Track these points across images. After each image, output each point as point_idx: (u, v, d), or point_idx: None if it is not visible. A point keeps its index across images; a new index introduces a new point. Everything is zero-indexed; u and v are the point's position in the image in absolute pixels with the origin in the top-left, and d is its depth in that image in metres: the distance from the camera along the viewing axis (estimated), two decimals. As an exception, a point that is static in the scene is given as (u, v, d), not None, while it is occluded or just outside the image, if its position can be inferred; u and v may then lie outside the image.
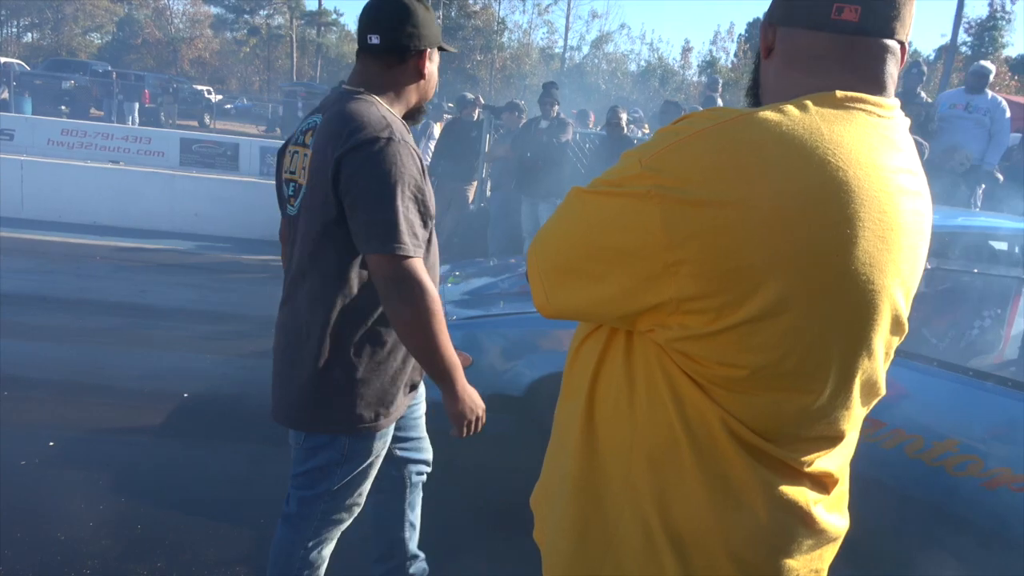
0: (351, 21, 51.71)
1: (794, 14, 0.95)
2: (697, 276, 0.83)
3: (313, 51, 43.58)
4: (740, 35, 37.95)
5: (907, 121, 0.96)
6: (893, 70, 0.95)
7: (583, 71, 33.20)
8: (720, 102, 9.25)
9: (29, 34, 46.91)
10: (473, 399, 1.74)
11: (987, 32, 28.01)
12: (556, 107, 7.24)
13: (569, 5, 32.53)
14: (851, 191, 0.84)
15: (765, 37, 1.00)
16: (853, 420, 0.96)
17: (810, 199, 0.82)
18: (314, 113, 1.79)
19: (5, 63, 24.80)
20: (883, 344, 0.93)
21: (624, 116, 7.22)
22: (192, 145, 14.95)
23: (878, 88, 0.93)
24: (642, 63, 35.58)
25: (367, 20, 1.75)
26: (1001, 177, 6.71)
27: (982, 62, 7.49)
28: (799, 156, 0.83)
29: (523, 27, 34.15)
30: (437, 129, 9.77)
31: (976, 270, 3.41)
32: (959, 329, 3.56)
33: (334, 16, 44.81)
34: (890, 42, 0.94)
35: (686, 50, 37.07)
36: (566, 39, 33.60)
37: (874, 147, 0.88)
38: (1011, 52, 31.08)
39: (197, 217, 8.47)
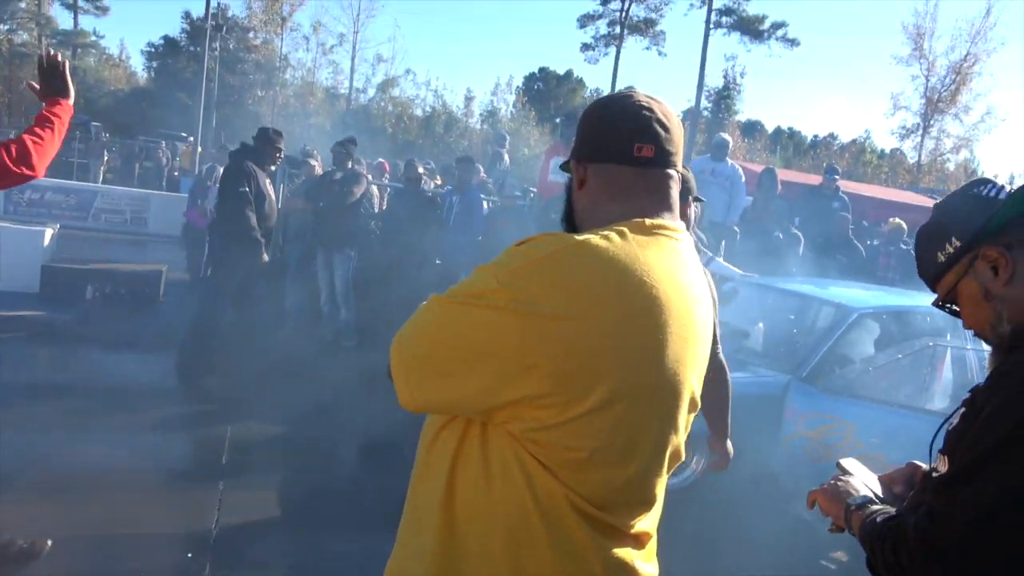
0: (112, 44, 47.48)
1: (604, 153, 1.21)
2: (548, 377, 1.01)
3: (66, 74, 39.13)
4: (518, 87, 40.36)
5: (691, 239, 1.23)
6: (676, 194, 1.22)
7: (369, 113, 33.30)
8: (507, 158, 9.86)
9: None
10: None
11: (723, 100, 32.45)
12: (350, 161, 7.30)
13: (355, 47, 32.57)
14: (662, 305, 1.08)
15: (577, 172, 1.24)
16: (661, 485, 1.21)
17: (632, 314, 1.06)
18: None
19: None
20: (684, 421, 1.20)
21: (421, 169, 7.47)
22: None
23: (670, 209, 1.20)
24: (427, 108, 36.52)
25: None
26: (739, 232, 7.90)
27: (722, 134, 8.78)
28: (623, 278, 1.06)
29: (307, 66, 33.39)
30: (222, 173, 9.35)
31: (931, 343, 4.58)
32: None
33: (93, 38, 40.88)
34: (673, 171, 1.22)
35: (469, 99, 38.66)
36: (352, 81, 33.58)
37: (675, 266, 1.13)
38: (741, 117, 36.25)
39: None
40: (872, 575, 1.25)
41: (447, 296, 1.09)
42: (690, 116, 31.95)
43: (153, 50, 42.49)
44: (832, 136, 44.95)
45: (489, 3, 70.91)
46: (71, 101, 2.71)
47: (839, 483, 1.37)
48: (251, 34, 33.05)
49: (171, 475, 4.08)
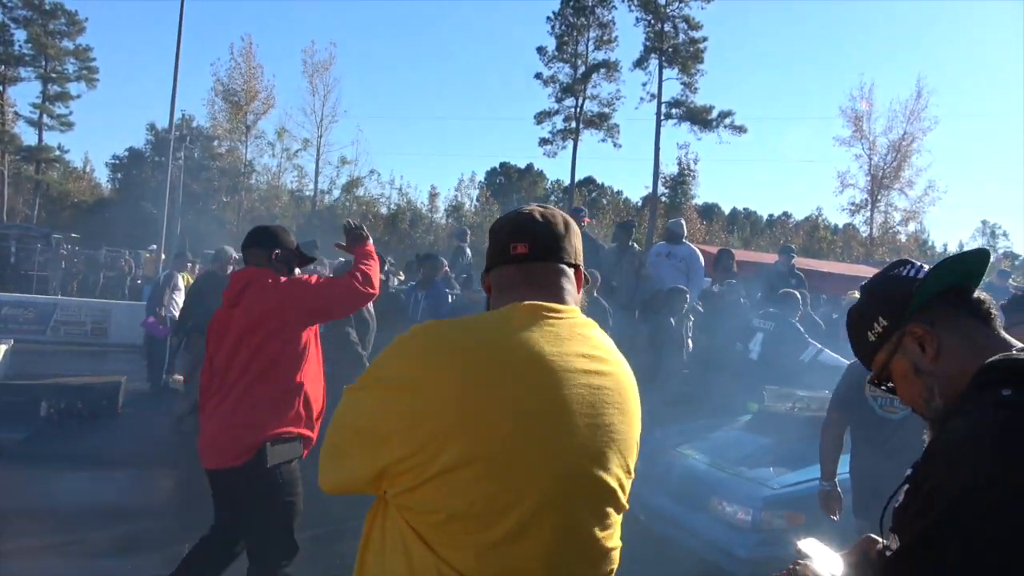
0: (77, 157, 47.83)
1: (493, 259, 1.37)
2: (401, 441, 1.12)
3: (30, 189, 39.37)
4: (480, 182, 41.38)
5: (588, 320, 1.31)
6: (568, 285, 1.33)
7: (335, 213, 33.69)
8: (468, 252, 9.98)
9: None
10: None
11: (679, 185, 33.55)
12: (323, 266, 7.34)
13: (319, 152, 33.26)
14: (510, 375, 1.14)
15: (484, 284, 1.40)
16: (561, 564, 1.16)
17: (475, 385, 1.13)
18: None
19: None
20: (580, 490, 1.17)
21: (386, 267, 7.53)
22: None
23: (556, 299, 1.29)
24: (392, 206, 37.08)
25: None
26: (702, 309, 8.01)
27: (677, 220, 9.04)
28: (465, 353, 1.16)
29: (272, 170, 33.90)
30: (180, 280, 9.30)
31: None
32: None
33: (57, 152, 41.23)
34: (560, 265, 1.34)
35: (432, 195, 39.42)
36: (316, 183, 34.11)
37: (544, 339, 1.19)
38: (698, 201, 37.41)
39: None
40: None
41: (349, 388, 1.23)
42: (649, 202, 32.90)
43: (118, 162, 43.12)
44: (787, 214, 46.66)
45: (449, 104, 73.64)
46: (371, 241, 3.42)
47: (797, 568, 1.35)
48: (215, 142, 33.65)
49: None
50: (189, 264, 10.36)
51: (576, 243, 1.38)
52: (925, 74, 53.29)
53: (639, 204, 41.51)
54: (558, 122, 34.77)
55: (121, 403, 7.93)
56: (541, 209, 1.38)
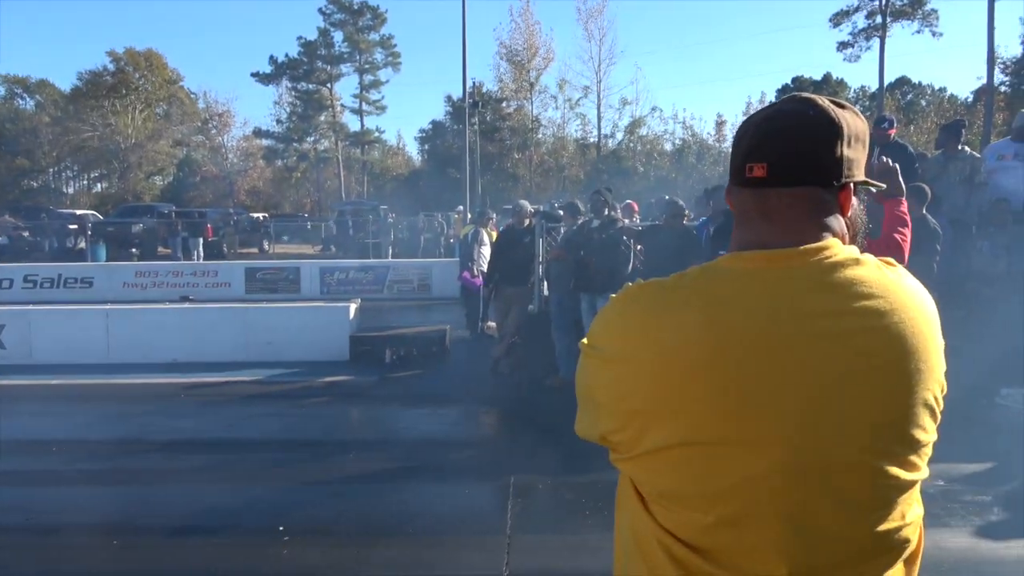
0: (391, 136, 54.35)
1: (731, 174, 1.14)
2: (610, 415, 1.05)
3: (359, 169, 45.76)
4: (771, 103, 38.45)
5: (849, 256, 1.03)
6: (823, 214, 1.06)
7: (619, 157, 33.94)
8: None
9: (99, 184, 50.59)
10: None
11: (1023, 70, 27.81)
12: (607, 208, 7.46)
13: (599, 97, 33.61)
14: (721, 348, 0.97)
15: (727, 195, 1.16)
16: (798, 549, 0.98)
17: (676, 357, 0.98)
18: None
19: (81, 215, 26.72)
20: (815, 478, 0.97)
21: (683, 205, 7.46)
22: (256, 273, 15.72)
23: (790, 235, 1.04)
24: (677, 141, 36.22)
25: None
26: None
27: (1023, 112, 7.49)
28: (668, 317, 1.01)
29: (557, 122, 35.13)
30: (486, 236, 10.09)
31: None
32: None
33: (376, 134, 47.24)
34: (805, 189, 1.05)
35: (719, 123, 37.63)
36: (599, 129, 34.60)
37: (767, 298, 0.99)
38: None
39: (270, 346, 8.84)
40: None
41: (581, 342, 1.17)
42: (984, 95, 27.85)
43: (424, 135, 47.96)
44: None
45: (726, 25, 69.14)
46: (904, 198, 3.28)
47: None
48: (504, 103, 35.75)
49: (460, 521, 4.38)
50: (491, 220, 11.19)
51: (851, 152, 1.07)
52: None
53: (969, 100, 35.27)
54: (860, 20, 30.83)
55: (448, 349, 8.99)
56: (797, 108, 1.08)
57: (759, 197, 1.07)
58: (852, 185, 1.09)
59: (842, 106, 1.10)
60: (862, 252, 1.08)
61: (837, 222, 1.07)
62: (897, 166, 3.19)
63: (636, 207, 10.11)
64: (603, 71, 32.87)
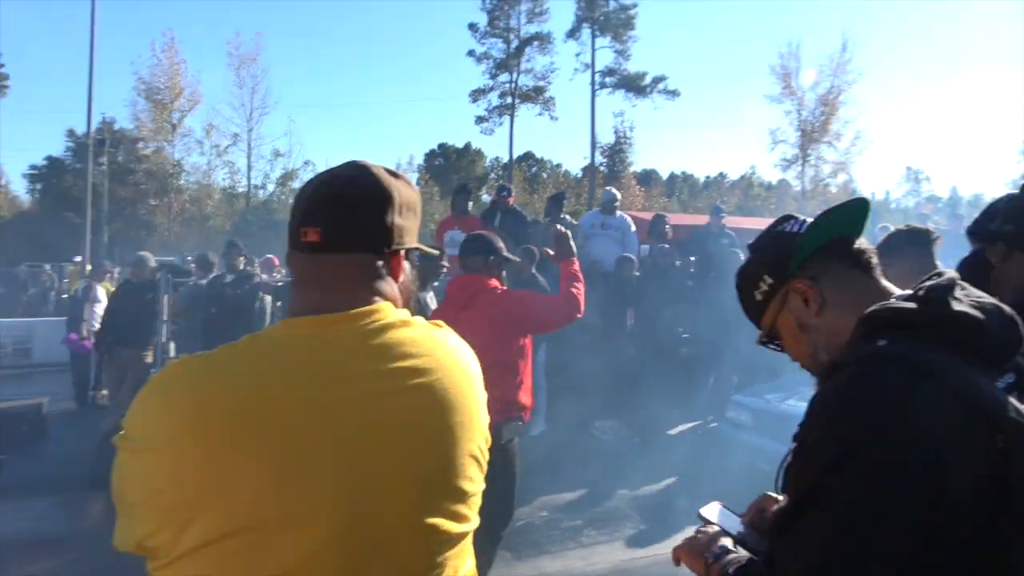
0: (-9, 171, 45.23)
1: (289, 240, 1.09)
2: (145, 517, 0.92)
3: None
4: (420, 165, 40.96)
5: (398, 318, 1.04)
6: (374, 279, 1.06)
7: (271, 208, 32.89)
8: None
9: None
10: None
11: (616, 154, 33.73)
12: (241, 259, 7.07)
13: (250, 146, 32.32)
14: (265, 423, 0.91)
15: (288, 262, 1.12)
16: None
17: (217, 439, 0.90)
18: None
19: None
20: (370, 544, 0.95)
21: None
22: None
23: (342, 300, 1.03)
24: (330, 196, 36.30)
25: None
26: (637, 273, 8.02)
27: (609, 189, 9.01)
28: (209, 394, 0.92)
29: (202, 168, 32.77)
30: (101, 291, 8.88)
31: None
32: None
33: None
34: (357, 255, 1.05)
35: (370, 182, 38.70)
36: (249, 178, 33.17)
37: (314, 367, 0.96)
38: (636, 168, 37.69)
39: None
40: None
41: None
42: (588, 172, 33.02)
43: (36, 172, 41.16)
44: (722, 175, 47.37)
45: (382, 88, 72.48)
46: (576, 258, 3.60)
47: (699, 535, 1.31)
48: (140, 144, 32.37)
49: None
50: (109, 274, 9.88)
51: (402, 220, 1.09)
52: (849, 27, 54.32)
53: (579, 175, 41.67)
54: (493, 99, 34.59)
55: (46, 425, 7.55)
56: (352, 175, 1.08)
57: (314, 262, 1.05)
58: (404, 252, 1.11)
59: (396, 175, 1.12)
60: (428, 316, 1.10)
61: (389, 286, 1.08)
62: (569, 232, 3.62)
63: (277, 261, 9.79)
64: (255, 119, 31.79)
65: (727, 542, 1.25)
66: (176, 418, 0.92)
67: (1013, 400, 0.98)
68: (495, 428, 3.34)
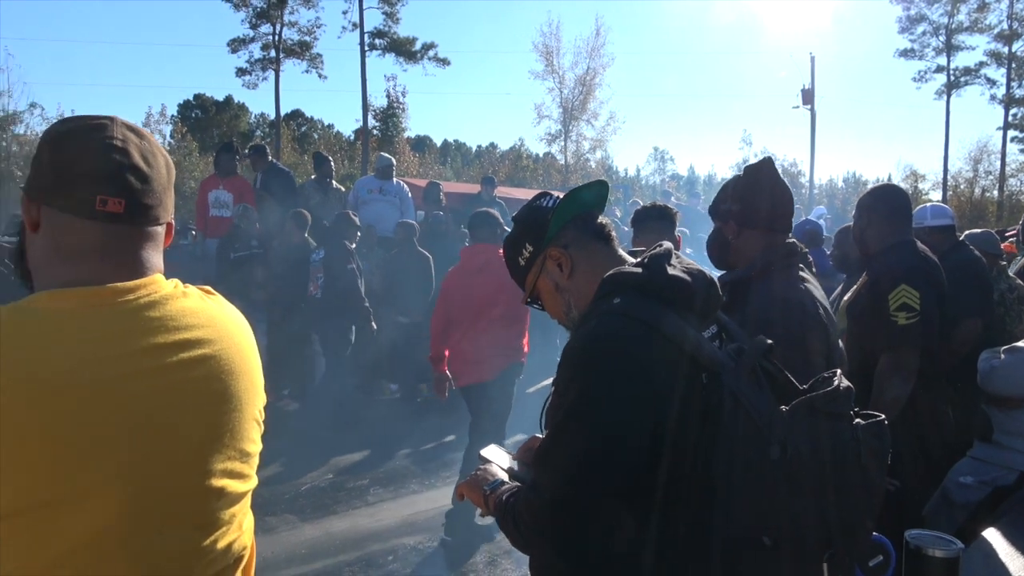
0: None
1: (58, 196, 1.00)
2: None
3: None
4: (173, 116, 37.32)
5: (171, 291, 1.05)
6: (155, 252, 1.06)
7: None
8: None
9: None
10: None
11: (389, 118, 33.41)
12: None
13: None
14: (44, 393, 0.89)
15: (28, 212, 1.04)
16: None
17: None
18: None
19: None
20: (158, 514, 0.98)
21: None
22: None
23: (135, 272, 1.02)
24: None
25: None
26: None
27: (385, 154, 9.08)
28: None
29: None
30: None
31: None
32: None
33: None
34: (155, 228, 1.06)
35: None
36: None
37: (87, 342, 0.94)
38: (410, 134, 37.69)
39: None
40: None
41: None
42: (360, 135, 32.38)
43: None
44: (493, 145, 49.01)
45: (127, 28, 64.48)
46: None
47: (478, 472, 1.51)
48: None
49: None
50: None
51: (172, 192, 1.09)
52: (602, 13, 58.35)
53: (351, 137, 40.71)
54: (256, 50, 32.30)
55: None
56: (139, 142, 1.04)
57: (104, 232, 1.00)
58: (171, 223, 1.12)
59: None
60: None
61: (160, 258, 1.08)
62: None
63: None
64: (-40, 50, 26.85)
65: (502, 476, 1.47)
66: None
67: (712, 345, 1.26)
68: (506, 369, 4.25)
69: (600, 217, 1.49)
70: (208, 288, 1.15)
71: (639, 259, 1.37)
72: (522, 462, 1.54)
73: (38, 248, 1.03)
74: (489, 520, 1.50)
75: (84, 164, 1.00)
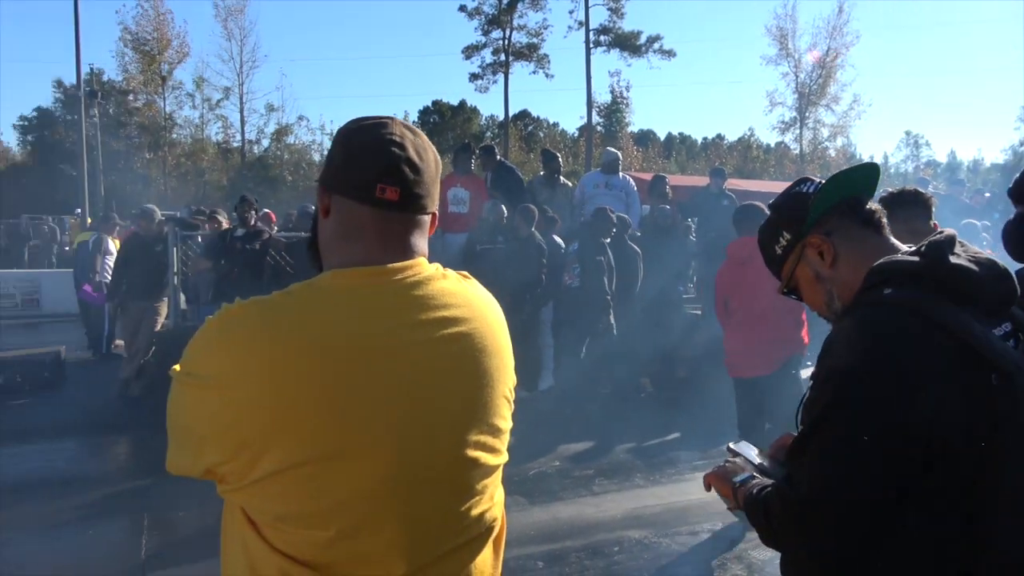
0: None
1: (344, 184, 1.12)
2: (216, 448, 1.00)
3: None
4: (414, 121, 40.46)
5: (433, 272, 1.13)
6: (421, 239, 1.15)
7: (266, 164, 32.65)
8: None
9: None
10: None
11: (613, 114, 33.57)
12: (252, 213, 7.21)
13: (242, 100, 31.92)
14: (330, 364, 0.99)
15: (321, 200, 1.15)
16: (413, 545, 1.05)
17: (284, 377, 0.97)
18: None
19: None
20: (426, 476, 1.05)
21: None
22: None
23: (403, 255, 1.11)
24: (324, 152, 36.04)
25: None
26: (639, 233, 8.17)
27: (610, 149, 9.13)
28: (275, 335, 0.99)
29: (195, 123, 32.34)
30: (111, 244, 9.00)
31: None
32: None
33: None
34: (423, 216, 1.15)
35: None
36: (243, 133, 32.83)
37: (369, 313, 1.04)
38: (633, 129, 37.54)
39: None
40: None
41: (173, 370, 1.09)
42: (585, 132, 32.85)
43: (27, 123, 40.65)
44: (720, 136, 47.15)
45: (374, 43, 71.24)
46: None
47: (727, 464, 1.48)
48: (131, 96, 31.95)
49: (83, 566, 3.88)
50: (118, 227, 9.95)
51: (439, 185, 1.20)
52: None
53: (575, 135, 41.41)
54: (487, 55, 34.17)
55: (64, 373, 7.77)
56: (413, 139, 1.14)
57: (383, 219, 1.10)
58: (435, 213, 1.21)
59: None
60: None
61: (426, 244, 1.17)
62: None
63: (275, 217, 9.92)
64: (245, 73, 31.35)
65: (752, 470, 1.43)
66: (248, 356, 0.99)
67: (1006, 344, 1.13)
68: (786, 362, 4.53)
69: (870, 203, 1.37)
70: (465, 273, 1.23)
71: (916, 247, 1.25)
72: (773, 459, 1.48)
73: (328, 231, 1.15)
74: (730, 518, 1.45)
75: (367, 156, 1.11)
